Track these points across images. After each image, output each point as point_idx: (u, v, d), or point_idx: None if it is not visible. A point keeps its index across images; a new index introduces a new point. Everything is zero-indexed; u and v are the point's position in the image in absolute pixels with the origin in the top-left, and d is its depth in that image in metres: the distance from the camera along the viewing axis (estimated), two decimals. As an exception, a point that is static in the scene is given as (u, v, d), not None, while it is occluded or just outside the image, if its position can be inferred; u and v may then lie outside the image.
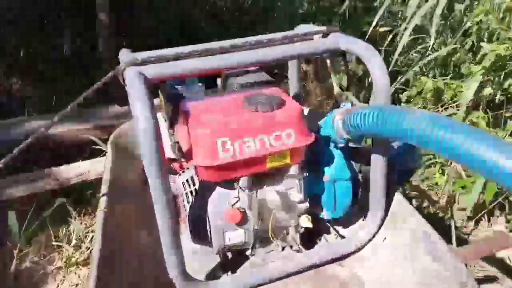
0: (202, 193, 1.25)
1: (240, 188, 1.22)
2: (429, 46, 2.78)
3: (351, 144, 1.43)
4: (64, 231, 2.22)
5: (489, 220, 2.28)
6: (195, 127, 1.13)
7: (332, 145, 1.34)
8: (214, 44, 1.22)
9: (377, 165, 1.29)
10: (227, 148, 1.11)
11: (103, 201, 1.39)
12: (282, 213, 1.31)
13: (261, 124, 1.14)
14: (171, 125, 1.39)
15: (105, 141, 2.41)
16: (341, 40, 1.23)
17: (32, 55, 3.67)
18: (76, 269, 2.08)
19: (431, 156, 2.59)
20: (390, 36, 3.18)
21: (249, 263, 1.40)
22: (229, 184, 1.22)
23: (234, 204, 1.23)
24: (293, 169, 1.24)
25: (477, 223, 2.28)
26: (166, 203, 1.06)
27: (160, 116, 1.50)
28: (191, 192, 1.26)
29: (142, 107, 0.98)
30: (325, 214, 1.39)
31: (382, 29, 3.31)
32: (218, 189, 1.23)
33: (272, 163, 1.18)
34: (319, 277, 1.37)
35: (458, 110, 2.53)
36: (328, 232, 1.52)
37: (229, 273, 1.37)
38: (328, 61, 1.73)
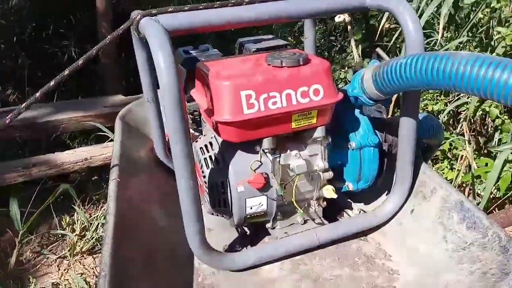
0: (222, 158, 1.18)
1: (263, 151, 1.15)
2: (437, 40, 2.76)
3: (374, 115, 1.38)
4: (67, 220, 2.14)
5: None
6: (217, 80, 1.06)
7: (357, 111, 1.28)
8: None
9: (406, 133, 1.22)
10: (252, 103, 1.04)
11: (114, 171, 1.31)
12: (305, 182, 1.24)
13: (287, 78, 1.07)
14: (185, 93, 1.32)
15: (110, 128, 2.34)
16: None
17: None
18: (81, 258, 2.00)
19: (438, 153, 2.53)
20: (397, 32, 3.14)
21: (268, 238, 1.33)
22: (251, 147, 1.15)
23: (257, 168, 1.16)
24: (318, 132, 1.17)
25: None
26: (188, 167, 0.99)
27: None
28: (210, 157, 1.19)
29: (164, 56, 0.90)
30: (349, 186, 1.32)
31: (389, 25, 3.27)
32: (240, 152, 1.16)
33: (298, 123, 1.11)
34: (343, 251, 1.30)
35: (470, 100, 2.49)
36: (350, 208, 1.45)
37: (249, 247, 1.29)
38: (348, 27, 1.67)
